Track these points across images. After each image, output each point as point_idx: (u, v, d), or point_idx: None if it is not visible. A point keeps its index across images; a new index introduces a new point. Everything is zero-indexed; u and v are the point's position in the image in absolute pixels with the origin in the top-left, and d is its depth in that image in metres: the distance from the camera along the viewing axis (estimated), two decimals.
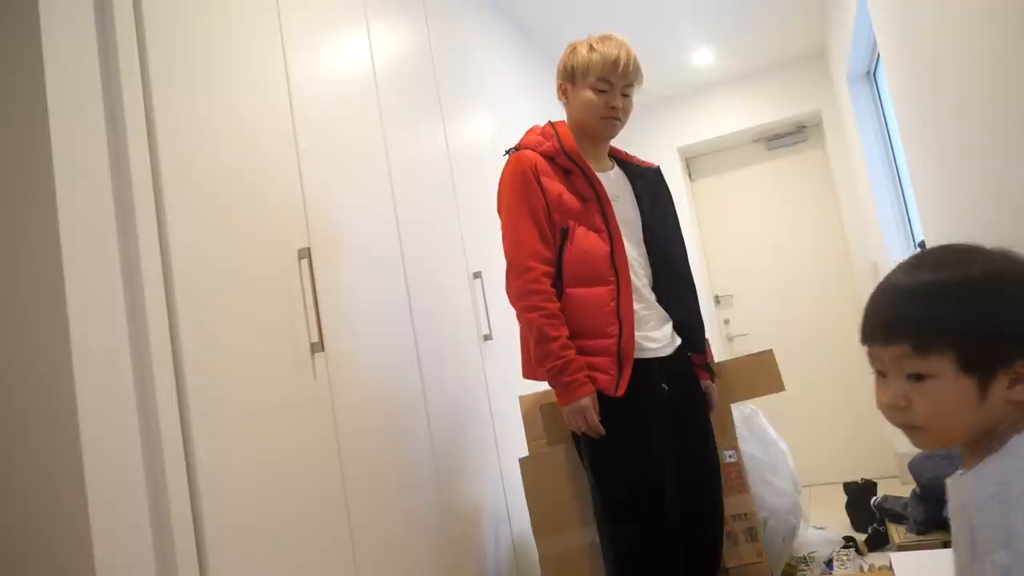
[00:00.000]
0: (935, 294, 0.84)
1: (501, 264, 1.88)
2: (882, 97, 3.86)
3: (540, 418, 2.06)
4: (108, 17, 1.28)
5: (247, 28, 1.62)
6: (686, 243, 2.05)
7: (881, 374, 0.88)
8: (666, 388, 1.82)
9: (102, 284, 1.18)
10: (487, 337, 2.44)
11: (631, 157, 2.06)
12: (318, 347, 1.59)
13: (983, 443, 0.84)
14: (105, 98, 1.25)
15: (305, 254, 1.60)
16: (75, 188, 1.16)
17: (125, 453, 1.15)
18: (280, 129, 1.66)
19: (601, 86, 1.86)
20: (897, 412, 0.85)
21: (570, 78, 1.92)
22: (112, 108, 1.25)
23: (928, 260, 0.88)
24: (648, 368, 1.79)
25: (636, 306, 1.81)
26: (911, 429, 0.86)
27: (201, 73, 1.46)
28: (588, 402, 1.70)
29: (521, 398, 2.29)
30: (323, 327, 1.61)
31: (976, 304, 0.82)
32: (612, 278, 1.79)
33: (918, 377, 0.83)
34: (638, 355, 1.78)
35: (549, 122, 1.95)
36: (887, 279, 0.89)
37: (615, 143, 2.03)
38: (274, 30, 1.71)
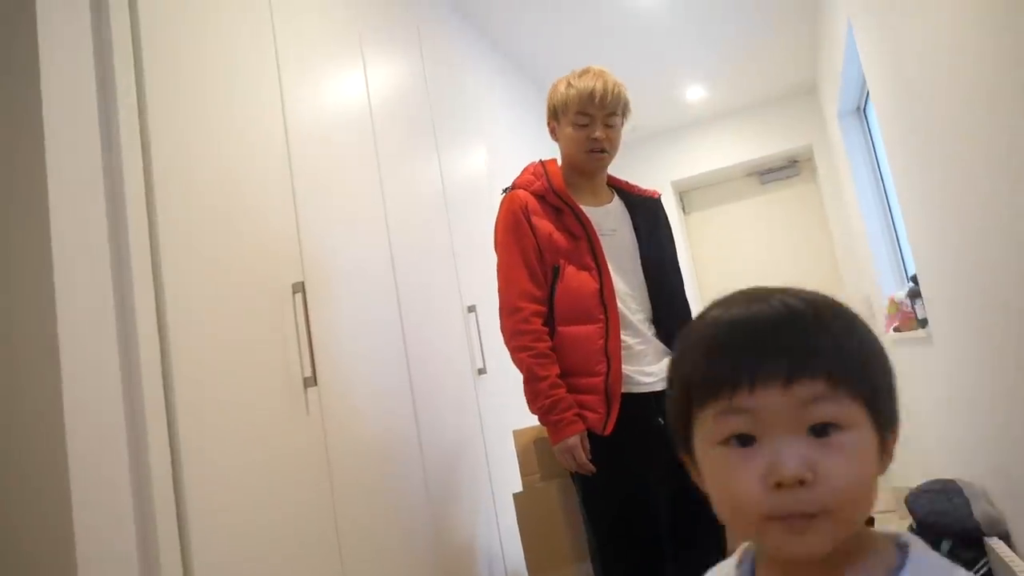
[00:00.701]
0: (836, 318, 0.57)
1: (495, 298, 1.88)
2: (872, 132, 3.91)
3: (535, 452, 2.04)
4: (107, 61, 1.29)
5: (244, 60, 1.64)
6: (683, 274, 2.05)
7: (746, 438, 0.56)
8: (662, 422, 1.81)
9: (94, 315, 1.17)
10: (481, 371, 2.43)
11: (632, 187, 2.06)
12: (311, 381, 1.58)
13: (841, 553, 0.55)
14: (102, 132, 1.26)
15: (299, 288, 1.60)
16: (69, 203, 1.17)
17: (114, 492, 1.14)
18: (275, 162, 1.67)
19: (581, 120, 1.87)
20: (798, 492, 0.53)
21: (555, 116, 1.94)
22: (108, 139, 1.26)
23: (767, 293, 0.59)
24: (643, 402, 1.78)
25: (631, 341, 1.81)
26: (808, 520, 0.53)
27: (197, 105, 1.47)
28: (576, 441, 1.70)
29: (515, 432, 2.27)
30: (316, 361, 1.60)
31: (868, 338, 0.58)
32: (601, 316, 1.79)
33: (822, 431, 0.54)
34: (633, 389, 1.77)
35: (540, 161, 1.96)
36: (721, 317, 0.59)
37: (615, 173, 2.04)
38: (271, 62, 1.72)
